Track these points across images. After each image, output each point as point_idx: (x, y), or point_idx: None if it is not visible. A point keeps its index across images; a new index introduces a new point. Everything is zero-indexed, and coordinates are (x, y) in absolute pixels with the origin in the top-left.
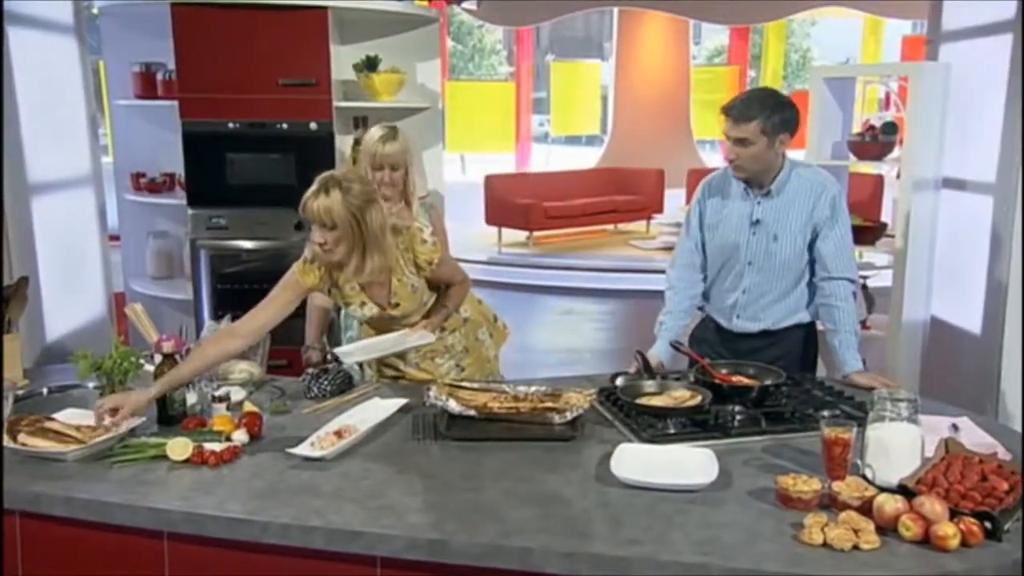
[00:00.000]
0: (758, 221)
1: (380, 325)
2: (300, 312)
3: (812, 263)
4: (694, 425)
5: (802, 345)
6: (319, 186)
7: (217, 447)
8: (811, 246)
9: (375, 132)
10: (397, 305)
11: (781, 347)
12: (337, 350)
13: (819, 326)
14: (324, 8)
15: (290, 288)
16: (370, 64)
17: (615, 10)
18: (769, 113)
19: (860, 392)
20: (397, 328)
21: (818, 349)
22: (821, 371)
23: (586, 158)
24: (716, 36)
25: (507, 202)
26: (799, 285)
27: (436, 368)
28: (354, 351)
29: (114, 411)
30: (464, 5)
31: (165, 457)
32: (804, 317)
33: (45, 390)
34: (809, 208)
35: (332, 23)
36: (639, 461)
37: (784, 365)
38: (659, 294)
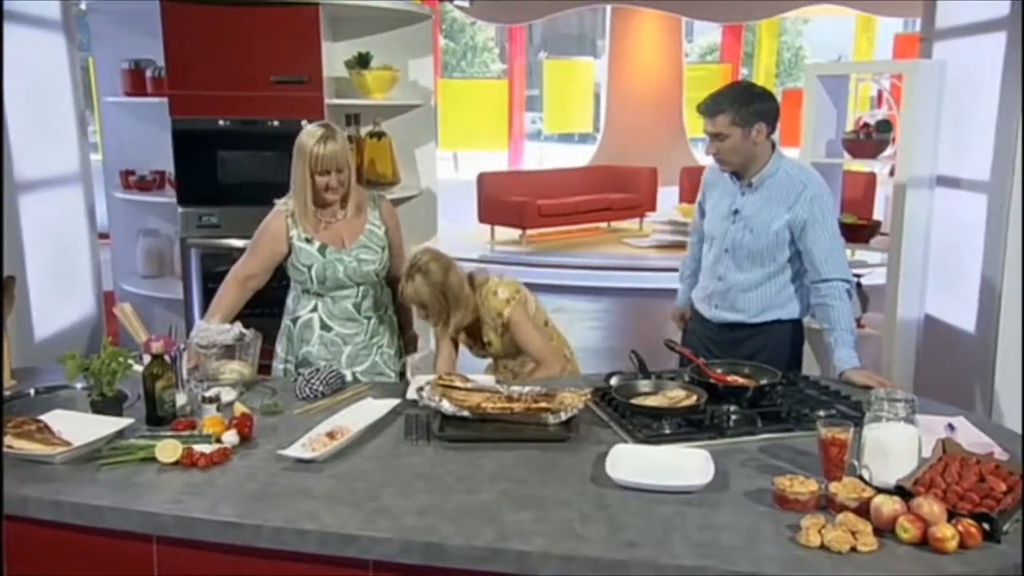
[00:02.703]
0: (737, 211)
1: (497, 364)
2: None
3: (793, 260)
4: (689, 425)
5: (784, 342)
6: (406, 274)
7: (207, 449)
8: (792, 243)
9: (314, 131)
10: (490, 344)
11: (761, 340)
12: None
13: (806, 325)
14: (316, 4)
15: (443, 340)
16: (362, 61)
17: (608, 8)
18: (739, 106)
19: (856, 392)
20: (507, 361)
21: (803, 348)
22: (813, 371)
23: (579, 156)
24: (709, 34)
25: (500, 200)
26: (775, 279)
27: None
28: None
29: None
30: (457, 2)
31: (154, 459)
32: (785, 314)
33: (32, 391)
34: (787, 205)
35: (324, 19)
36: (634, 462)
37: (765, 360)
38: (653, 292)
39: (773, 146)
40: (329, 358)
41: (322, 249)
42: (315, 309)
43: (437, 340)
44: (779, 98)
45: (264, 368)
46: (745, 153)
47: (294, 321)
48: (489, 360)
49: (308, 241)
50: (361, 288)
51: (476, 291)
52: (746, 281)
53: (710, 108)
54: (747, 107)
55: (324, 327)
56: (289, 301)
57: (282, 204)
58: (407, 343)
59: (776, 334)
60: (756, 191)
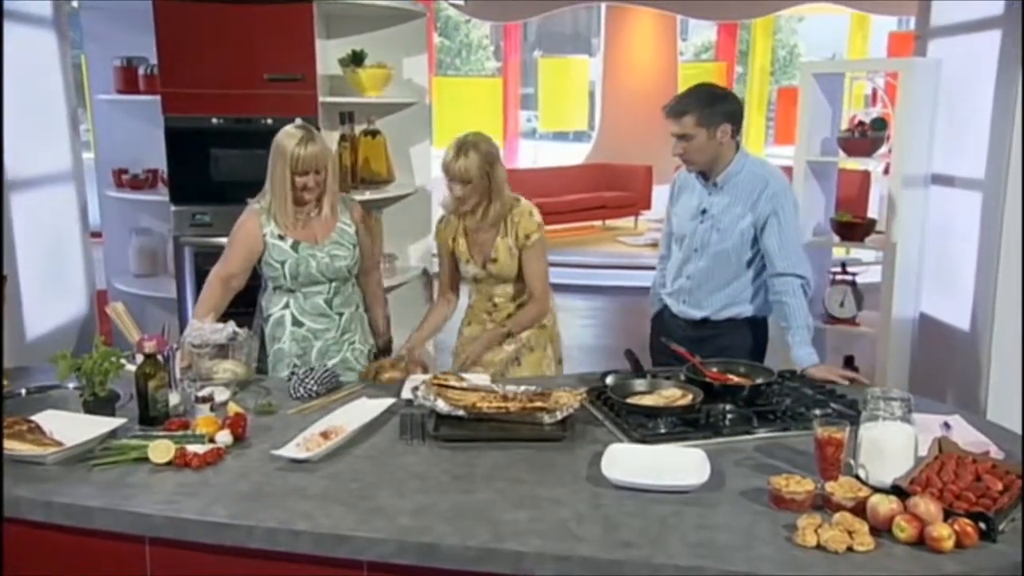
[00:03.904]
0: (705, 211)
1: (482, 286)
2: None
3: (757, 258)
4: (685, 424)
5: (747, 339)
6: (458, 149)
7: (200, 449)
8: (755, 241)
9: (294, 133)
10: (495, 261)
11: (726, 339)
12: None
13: (770, 323)
14: (309, 1)
15: (444, 249)
16: (356, 59)
17: (603, 6)
18: (704, 107)
19: (852, 391)
20: (494, 289)
21: (766, 345)
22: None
23: (574, 154)
24: (704, 32)
25: None
26: (740, 278)
27: (499, 350)
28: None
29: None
30: (451, 0)
31: (147, 460)
32: (745, 311)
33: (24, 391)
34: (750, 202)
35: (318, 17)
36: (630, 462)
37: (731, 357)
38: (648, 290)
39: (737, 146)
40: (300, 354)
41: (295, 245)
42: (287, 306)
43: (441, 285)
44: (774, 96)
45: (260, 367)
46: (710, 153)
47: (267, 320)
48: (468, 304)
49: (281, 238)
50: (333, 284)
51: (514, 208)
52: (714, 281)
53: (675, 110)
54: (711, 108)
55: (296, 323)
56: (263, 301)
57: (255, 202)
58: (382, 346)
59: (737, 332)
60: (722, 191)
